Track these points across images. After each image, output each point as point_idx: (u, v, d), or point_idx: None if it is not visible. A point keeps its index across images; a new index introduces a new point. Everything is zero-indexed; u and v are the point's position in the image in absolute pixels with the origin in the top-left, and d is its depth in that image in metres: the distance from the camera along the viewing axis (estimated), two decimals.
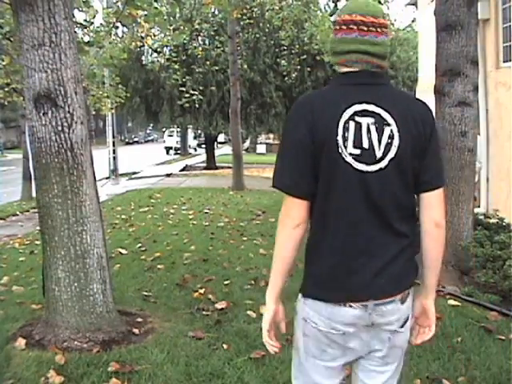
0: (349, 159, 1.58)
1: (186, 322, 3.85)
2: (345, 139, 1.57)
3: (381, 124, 1.60)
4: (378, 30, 1.62)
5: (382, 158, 1.59)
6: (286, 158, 1.63)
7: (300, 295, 1.70)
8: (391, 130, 1.60)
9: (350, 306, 1.59)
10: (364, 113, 1.60)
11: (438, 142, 1.72)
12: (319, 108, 1.61)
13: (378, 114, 1.60)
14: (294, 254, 1.64)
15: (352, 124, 1.58)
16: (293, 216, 1.61)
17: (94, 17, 8.26)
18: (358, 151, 1.58)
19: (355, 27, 1.62)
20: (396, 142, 1.59)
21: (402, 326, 1.68)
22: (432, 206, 1.68)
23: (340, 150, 1.57)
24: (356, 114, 1.59)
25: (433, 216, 1.68)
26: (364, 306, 1.59)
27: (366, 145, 1.58)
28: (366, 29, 1.61)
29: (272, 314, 1.69)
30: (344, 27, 1.64)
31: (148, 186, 16.15)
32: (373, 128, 1.59)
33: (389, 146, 1.59)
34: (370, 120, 1.59)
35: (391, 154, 1.59)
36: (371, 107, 1.60)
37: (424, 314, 1.83)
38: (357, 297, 1.60)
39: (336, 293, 1.61)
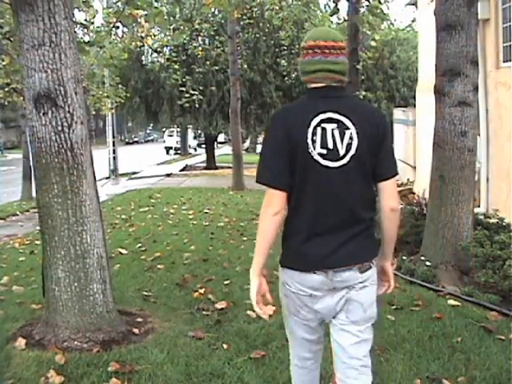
0: (317, 157, 1.95)
1: (186, 321, 3.85)
2: (313, 141, 1.95)
3: (342, 128, 1.97)
4: (338, 51, 1.99)
5: (344, 156, 1.96)
6: (267, 158, 2.00)
7: (280, 266, 2.08)
8: (351, 133, 1.97)
9: (315, 273, 1.98)
10: (328, 120, 1.97)
11: (390, 140, 2.10)
12: (292, 117, 2.00)
13: (340, 121, 1.97)
14: (273, 237, 1.99)
15: (319, 129, 1.95)
16: (273, 205, 1.96)
17: (94, 17, 8.27)
18: (324, 151, 1.95)
19: (319, 51, 1.98)
20: (355, 142, 1.96)
21: (359, 285, 2.02)
22: (388, 194, 2.06)
23: (310, 150, 1.95)
24: (322, 121, 1.96)
25: (389, 203, 2.06)
26: (325, 273, 1.98)
27: (330, 145, 1.96)
28: (327, 51, 1.98)
29: (257, 287, 2.00)
30: (310, 51, 2.01)
31: (148, 186, 16.15)
32: (336, 132, 1.96)
33: (349, 145, 1.96)
34: (334, 125, 1.97)
35: (352, 152, 1.97)
36: (334, 115, 1.97)
37: (383, 273, 2.20)
38: (319, 266, 1.98)
39: (304, 263, 2.00)
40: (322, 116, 1.96)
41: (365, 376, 2.09)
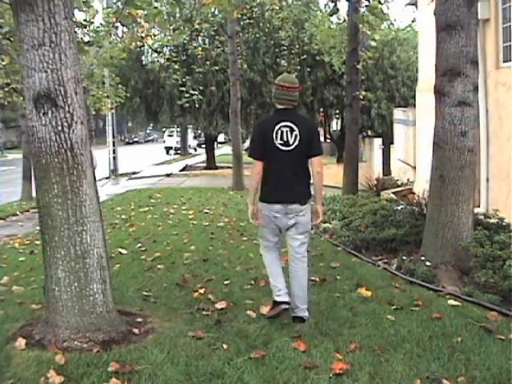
0: (278, 145, 3.72)
1: (186, 322, 3.85)
2: (276, 137, 3.72)
3: (291, 130, 3.73)
4: (293, 89, 3.78)
5: (292, 144, 3.73)
6: (253, 144, 3.86)
7: (259, 200, 3.81)
8: (295, 133, 3.72)
9: (277, 204, 3.73)
10: (284, 126, 3.73)
11: (318, 135, 3.90)
12: (266, 124, 3.89)
13: (290, 126, 3.73)
14: (257, 184, 3.80)
15: (279, 131, 3.72)
16: (256, 168, 3.78)
17: (94, 17, 8.27)
18: (282, 142, 3.73)
19: (286, 89, 3.77)
20: (298, 137, 3.72)
21: (300, 213, 3.77)
22: (315, 164, 3.80)
23: (274, 141, 3.72)
24: (281, 126, 3.72)
25: (316, 169, 3.80)
26: (283, 204, 3.73)
27: (285, 139, 3.72)
28: (288, 90, 3.77)
29: (252, 210, 3.89)
30: (280, 88, 3.79)
31: (148, 185, 16.16)
32: (288, 132, 3.72)
33: (295, 139, 3.72)
34: (287, 129, 3.72)
35: (296, 143, 3.73)
36: (287, 123, 3.73)
37: (316, 211, 3.91)
38: (280, 201, 3.74)
39: (272, 199, 3.75)
40: (281, 123, 3.73)
41: (304, 262, 3.87)
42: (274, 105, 3.87)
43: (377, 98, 21.83)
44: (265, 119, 4.22)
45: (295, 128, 3.68)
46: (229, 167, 19.16)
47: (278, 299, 3.77)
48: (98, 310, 3.46)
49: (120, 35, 14.99)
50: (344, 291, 4.50)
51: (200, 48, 18.56)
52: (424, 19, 9.58)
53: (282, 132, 3.68)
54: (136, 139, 61.69)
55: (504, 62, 7.16)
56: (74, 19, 3.53)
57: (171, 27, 14.85)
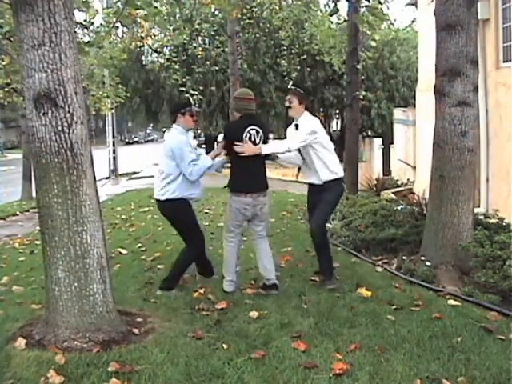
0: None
1: (186, 322, 3.85)
2: (246, 137, 4.52)
3: (257, 132, 4.58)
4: (252, 100, 4.68)
5: (258, 143, 4.57)
6: (227, 136, 4.64)
7: (232, 194, 4.62)
8: (260, 134, 4.60)
9: (246, 196, 4.54)
10: (252, 129, 4.56)
11: (269, 132, 4.83)
12: (237, 126, 4.68)
13: (256, 129, 4.58)
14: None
15: (248, 133, 4.54)
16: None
17: (94, 17, 8.26)
18: (251, 142, 4.53)
19: (246, 101, 4.64)
20: (262, 137, 4.60)
21: (263, 204, 4.61)
22: None
23: (244, 142, 4.51)
24: (250, 129, 4.55)
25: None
26: (252, 196, 4.55)
27: (253, 139, 4.56)
28: (249, 101, 4.66)
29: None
30: (242, 100, 4.64)
31: (148, 185, 16.12)
32: (256, 134, 4.58)
33: (260, 139, 4.59)
34: (254, 131, 4.57)
35: (261, 141, 4.59)
36: (255, 127, 4.58)
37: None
38: (249, 193, 4.54)
39: (242, 191, 4.56)
40: (250, 127, 4.53)
41: (266, 241, 4.76)
42: (239, 113, 4.64)
43: (377, 98, 21.86)
44: (235, 122, 5.01)
45: (260, 130, 4.60)
46: (229, 167, 19.12)
47: (227, 290, 4.58)
48: (98, 310, 3.45)
49: (120, 35, 15.01)
50: (344, 291, 4.50)
51: (200, 48, 18.58)
52: (424, 19, 9.58)
53: (250, 134, 4.54)
54: (136, 139, 61.62)
55: (504, 62, 7.16)
56: (74, 19, 3.53)
57: (171, 27, 14.85)
